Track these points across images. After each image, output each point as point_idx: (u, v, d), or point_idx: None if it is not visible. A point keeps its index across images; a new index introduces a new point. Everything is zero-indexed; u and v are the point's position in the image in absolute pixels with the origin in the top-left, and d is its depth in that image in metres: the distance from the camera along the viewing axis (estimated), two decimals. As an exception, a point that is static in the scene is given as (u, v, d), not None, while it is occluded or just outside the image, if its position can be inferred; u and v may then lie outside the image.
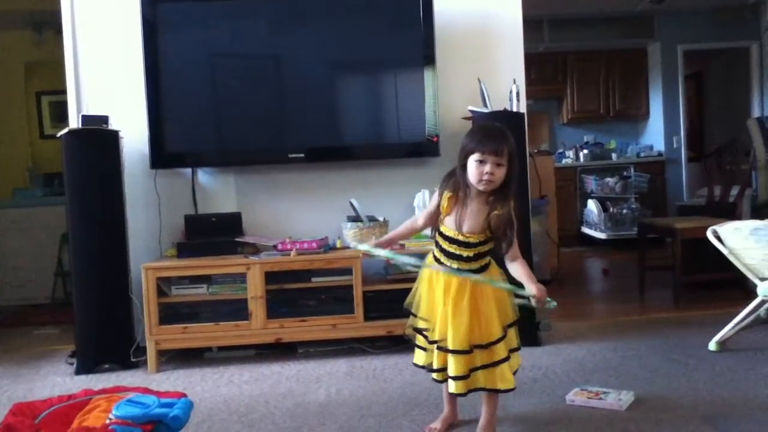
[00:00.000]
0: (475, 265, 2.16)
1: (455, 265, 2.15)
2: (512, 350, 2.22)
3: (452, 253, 2.15)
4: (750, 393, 2.60)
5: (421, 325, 2.24)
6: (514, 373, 2.23)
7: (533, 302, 2.09)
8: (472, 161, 2.08)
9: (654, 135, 8.19)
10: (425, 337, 2.23)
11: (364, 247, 2.26)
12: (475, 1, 3.88)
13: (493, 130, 2.13)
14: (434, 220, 2.23)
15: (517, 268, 2.15)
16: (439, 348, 2.17)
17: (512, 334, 2.22)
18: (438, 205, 2.19)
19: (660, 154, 8.00)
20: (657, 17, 7.75)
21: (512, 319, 2.20)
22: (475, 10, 3.87)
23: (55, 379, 3.24)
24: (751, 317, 3.27)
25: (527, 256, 3.44)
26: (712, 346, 3.17)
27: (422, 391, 2.72)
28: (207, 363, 3.41)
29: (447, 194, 2.16)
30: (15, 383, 3.20)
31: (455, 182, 2.15)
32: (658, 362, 3.04)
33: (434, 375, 2.24)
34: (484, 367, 2.15)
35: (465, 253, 2.14)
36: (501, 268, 2.24)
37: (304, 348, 3.50)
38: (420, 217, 2.31)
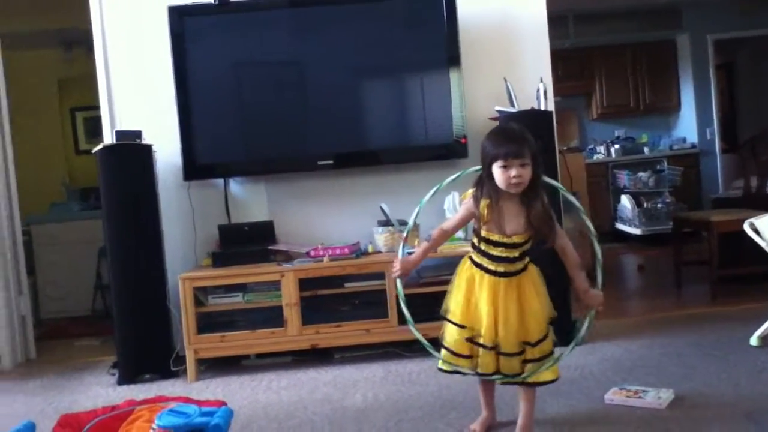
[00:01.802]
0: (519, 265, 2.18)
1: (502, 269, 2.16)
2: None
3: (499, 257, 2.16)
4: (794, 388, 2.56)
5: (465, 334, 2.21)
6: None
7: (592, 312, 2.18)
8: (497, 168, 2.09)
9: (686, 127, 8.07)
10: (478, 344, 2.20)
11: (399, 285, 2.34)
12: (498, 0, 3.87)
13: (511, 133, 2.14)
14: (464, 224, 2.29)
15: (570, 270, 2.21)
16: (492, 350, 2.18)
17: (551, 332, 2.25)
18: (472, 214, 2.20)
19: (693, 147, 7.88)
20: (684, 8, 7.64)
21: (552, 314, 2.23)
22: (498, 9, 3.86)
23: (98, 390, 3.31)
24: (793, 310, 3.20)
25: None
26: (753, 341, 3.12)
27: (458, 394, 2.72)
28: (245, 370, 3.45)
29: (484, 202, 2.15)
30: (60, 394, 3.28)
31: (487, 189, 2.14)
32: (697, 359, 3.00)
33: (490, 378, 2.27)
34: (531, 361, 2.19)
35: (512, 255, 2.15)
36: (537, 267, 2.26)
37: (340, 353, 3.53)
38: (450, 224, 2.32)
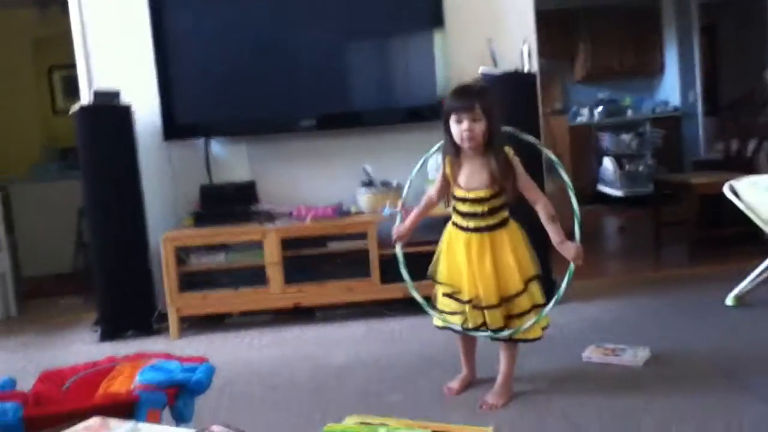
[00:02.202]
0: (491, 221, 2.18)
1: (472, 224, 2.18)
2: (537, 306, 2.23)
3: (467, 213, 2.19)
4: None
5: (446, 290, 2.28)
6: (544, 329, 2.29)
7: (571, 265, 2.15)
8: (452, 123, 2.14)
9: (669, 90, 8.07)
10: (458, 299, 2.25)
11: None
12: (483, -40, 3.81)
13: (464, 89, 2.20)
14: (446, 189, 2.27)
15: (544, 223, 2.19)
16: (474, 306, 2.22)
17: (535, 289, 2.24)
18: (443, 174, 2.24)
19: (675, 110, 7.89)
20: (670, -31, 7.58)
21: (533, 272, 2.22)
22: (483, -32, 3.81)
23: (80, 347, 3.31)
24: (768, 271, 3.25)
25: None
26: (729, 300, 3.17)
27: (439, 352, 2.75)
28: (227, 328, 3.47)
29: (448, 160, 2.22)
30: (41, 351, 3.29)
31: (447, 147, 2.21)
32: (674, 318, 3.06)
33: (472, 333, 2.29)
34: (511, 317, 2.21)
35: (479, 209, 2.17)
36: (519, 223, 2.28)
37: (323, 312, 3.55)
38: (433, 191, 2.35)
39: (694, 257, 4.25)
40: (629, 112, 7.98)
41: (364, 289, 3.41)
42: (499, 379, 2.30)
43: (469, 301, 2.22)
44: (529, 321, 2.20)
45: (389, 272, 3.39)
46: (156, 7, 3.56)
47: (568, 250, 2.15)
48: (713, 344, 2.68)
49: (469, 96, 2.13)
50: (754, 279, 3.19)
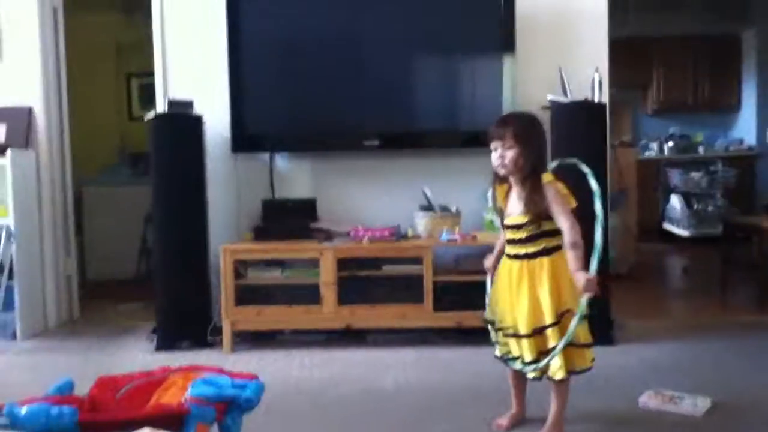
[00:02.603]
0: (531, 248, 2.18)
1: (513, 251, 2.22)
2: (576, 344, 2.15)
3: (511, 240, 2.23)
4: (838, 406, 2.47)
5: (493, 317, 2.30)
6: (579, 372, 2.19)
7: (583, 300, 2.04)
8: (492, 151, 2.21)
9: (745, 128, 7.81)
10: (496, 328, 2.27)
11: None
12: (557, -14, 3.78)
13: (501, 118, 2.32)
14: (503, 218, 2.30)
15: (567, 251, 2.11)
16: (506, 335, 2.22)
17: (582, 328, 2.15)
18: (498, 204, 2.30)
19: (750, 148, 7.62)
20: (753, 2, 7.33)
21: (569, 306, 2.12)
22: (557, -5, 3.78)
23: (136, 354, 3.39)
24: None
25: (604, 249, 3.38)
26: (798, 352, 3.03)
27: (489, 385, 2.70)
28: (279, 345, 3.49)
29: (497, 188, 2.29)
30: (100, 356, 3.38)
31: (493, 177, 2.27)
32: (737, 366, 2.93)
33: (516, 365, 2.24)
34: (543, 353, 2.14)
35: (518, 236, 2.19)
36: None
37: (374, 335, 3.54)
38: (499, 223, 2.37)
39: (762, 302, 4.07)
40: (701, 149, 7.75)
41: (416, 315, 3.38)
42: (550, 419, 2.24)
43: (505, 328, 2.22)
44: (549, 358, 2.12)
45: (442, 299, 3.37)
46: (233, 20, 3.65)
47: (579, 280, 2.05)
48: (779, 399, 2.55)
49: (502, 124, 2.20)
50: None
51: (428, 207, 3.62)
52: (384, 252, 3.43)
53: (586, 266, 2.05)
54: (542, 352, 2.15)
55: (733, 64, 7.79)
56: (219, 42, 3.70)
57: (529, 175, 2.16)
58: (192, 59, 3.87)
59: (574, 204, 2.16)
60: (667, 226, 7.30)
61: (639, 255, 5.35)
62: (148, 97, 5.74)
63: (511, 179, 2.21)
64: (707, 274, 5.16)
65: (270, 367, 3.12)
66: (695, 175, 7.24)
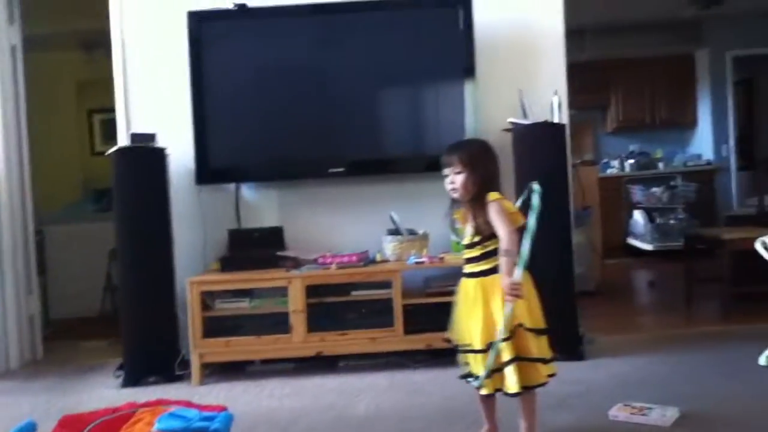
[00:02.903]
0: (484, 266, 2.23)
1: (468, 269, 2.28)
2: (526, 359, 2.16)
3: (467, 258, 2.29)
4: (802, 410, 2.52)
5: (452, 336, 2.32)
6: (533, 387, 2.20)
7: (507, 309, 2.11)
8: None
9: (702, 143, 8.01)
10: (462, 348, 2.28)
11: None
12: (516, 12, 3.87)
13: (452, 143, 2.40)
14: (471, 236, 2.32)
15: (500, 257, 2.18)
16: (465, 351, 2.24)
17: (526, 342, 2.17)
18: (458, 229, 2.37)
19: (708, 163, 7.82)
20: (705, 23, 7.58)
21: (519, 321, 2.15)
22: (515, 21, 3.86)
23: (103, 392, 3.32)
24: (805, 331, 3.16)
25: (567, 267, 3.43)
26: (762, 360, 3.08)
27: (462, 406, 2.69)
28: (249, 376, 3.45)
29: (457, 213, 2.35)
30: (64, 395, 3.29)
31: (451, 202, 2.34)
32: (704, 377, 2.97)
33: (474, 383, 2.24)
34: (497, 369, 2.16)
35: (472, 254, 2.27)
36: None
37: (345, 361, 3.52)
38: None
39: (727, 314, 4.15)
40: (661, 165, 7.94)
41: (387, 340, 3.38)
42: (521, 435, 2.24)
43: (466, 346, 2.24)
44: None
45: (413, 322, 3.38)
46: (196, 55, 3.66)
47: (504, 284, 2.11)
48: (745, 405, 2.59)
49: (451, 151, 2.29)
50: (789, 339, 3.10)
51: (395, 231, 3.64)
52: (353, 277, 3.43)
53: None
54: (495, 369, 2.16)
55: (688, 82, 8.03)
56: (181, 74, 3.70)
57: (478, 196, 2.23)
58: (154, 92, 3.86)
59: (521, 221, 2.22)
60: (632, 241, 7.41)
61: (605, 271, 5.42)
62: (110, 132, 5.71)
63: (463, 202, 2.28)
64: (672, 287, 5.25)
65: (240, 398, 3.08)
66: (656, 190, 7.39)
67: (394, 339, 3.38)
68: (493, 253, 2.22)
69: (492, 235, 2.21)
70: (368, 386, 3.14)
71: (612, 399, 2.69)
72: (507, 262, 2.14)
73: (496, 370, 2.16)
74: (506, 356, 2.14)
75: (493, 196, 2.22)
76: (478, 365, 2.21)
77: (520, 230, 2.18)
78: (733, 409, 2.56)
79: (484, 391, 2.21)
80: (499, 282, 2.17)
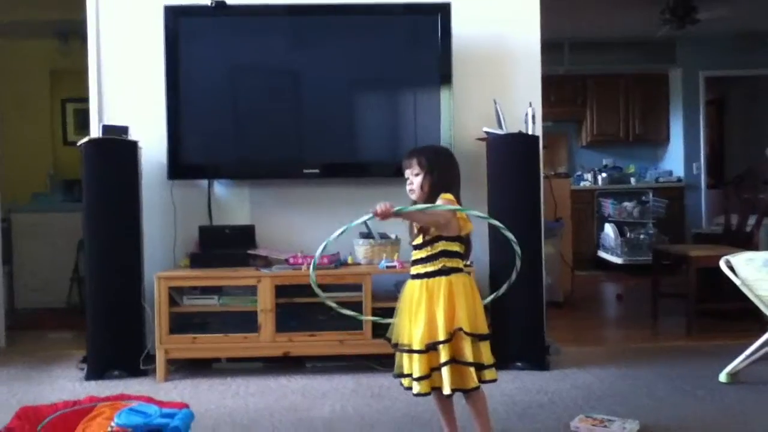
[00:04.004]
0: (430, 267, 2.22)
1: (414, 271, 2.27)
2: (468, 363, 2.16)
3: (414, 260, 2.29)
4: (759, 427, 2.57)
5: (389, 335, 2.31)
6: (467, 391, 2.19)
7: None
8: None
9: (673, 160, 8.14)
10: (397, 347, 2.27)
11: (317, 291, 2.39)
12: (493, 24, 3.90)
13: (414, 148, 2.46)
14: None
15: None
16: (401, 351, 2.23)
17: (463, 345, 2.16)
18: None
19: (679, 180, 7.95)
20: (678, 43, 7.72)
21: (460, 326, 2.15)
22: (493, 32, 3.89)
23: (65, 384, 3.27)
24: (764, 350, 3.21)
25: (537, 277, 3.46)
26: (722, 377, 3.13)
27: (426, 411, 2.70)
28: (215, 374, 3.43)
29: None
30: (25, 386, 3.24)
31: (413, 202, 2.33)
32: (666, 391, 3.01)
33: (405, 381, 2.24)
34: (435, 368, 2.17)
35: (419, 255, 2.26)
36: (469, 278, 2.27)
37: (312, 362, 3.51)
38: None
39: (690, 329, 4.21)
40: (633, 180, 8.05)
41: (355, 342, 3.38)
42: (477, 438, 2.25)
43: (402, 346, 2.23)
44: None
45: (382, 326, 3.36)
46: (171, 49, 3.63)
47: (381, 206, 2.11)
48: (703, 421, 2.63)
49: (410, 154, 2.34)
50: (748, 356, 3.16)
51: (368, 235, 3.64)
52: (323, 279, 3.41)
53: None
54: (434, 368, 2.17)
55: (661, 100, 8.15)
56: (156, 68, 3.67)
57: (432, 199, 2.26)
58: (129, 85, 3.82)
59: (470, 228, 2.24)
60: (602, 254, 7.51)
61: (574, 282, 5.47)
62: (84, 122, 5.64)
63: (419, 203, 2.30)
64: (639, 300, 5.33)
65: (204, 395, 3.06)
66: (628, 205, 7.50)
67: (362, 342, 3.38)
68: (439, 255, 2.22)
69: (439, 238, 2.22)
70: (334, 388, 3.13)
71: (574, 410, 2.73)
72: (422, 211, 2.16)
73: (434, 369, 2.17)
74: (443, 357, 2.14)
75: (445, 196, 2.25)
76: (412, 366, 2.19)
77: (466, 238, 2.25)
78: (692, 423, 2.60)
79: (416, 390, 2.19)
80: (444, 284, 2.18)
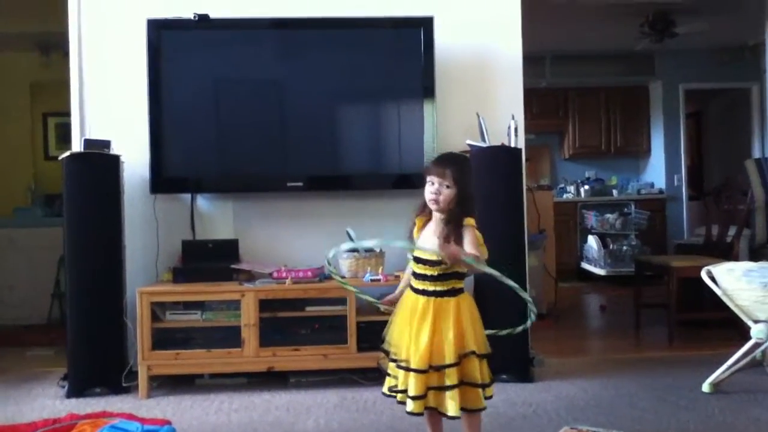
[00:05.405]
0: (440, 287, 2.18)
1: (421, 287, 2.20)
2: (471, 384, 2.16)
3: (419, 274, 2.21)
4: (741, 436, 2.59)
5: (389, 348, 2.25)
6: (473, 411, 2.19)
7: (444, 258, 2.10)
8: (426, 184, 2.24)
9: (655, 172, 8.23)
10: (393, 360, 2.23)
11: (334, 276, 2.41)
12: (476, 37, 3.93)
13: (445, 155, 2.36)
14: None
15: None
16: (399, 367, 2.18)
17: (473, 367, 2.16)
18: (410, 233, 2.30)
19: (661, 192, 8.03)
20: (657, 56, 7.83)
21: (476, 348, 2.16)
22: (476, 45, 3.93)
23: (45, 402, 3.22)
24: (746, 359, 3.25)
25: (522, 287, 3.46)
26: (705, 387, 3.15)
27: (411, 425, 2.69)
28: (198, 390, 3.40)
29: (418, 220, 2.30)
30: (4, 405, 3.19)
31: (420, 207, 2.30)
32: (649, 402, 3.03)
33: (399, 396, 2.22)
34: (435, 388, 2.15)
35: (430, 272, 2.19)
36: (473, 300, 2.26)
37: (296, 377, 3.49)
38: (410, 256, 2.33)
39: (672, 340, 4.25)
40: (615, 192, 8.12)
41: (339, 356, 3.36)
42: (466, 453, 2.24)
43: (399, 360, 2.19)
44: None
45: (366, 340, 3.37)
46: (154, 63, 3.62)
47: (449, 249, 2.08)
48: (686, 431, 2.65)
49: (446, 162, 2.25)
50: (729, 366, 3.19)
51: (352, 248, 3.64)
52: (307, 293, 3.41)
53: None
54: (430, 388, 2.15)
55: (642, 112, 8.25)
56: (139, 81, 3.65)
57: (455, 215, 2.20)
58: (111, 98, 3.81)
59: (486, 255, 2.20)
60: (585, 266, 7.56)
61: (558, 294, 5.49)
62: (65, 136, 5.61)
63: (436, 215, 2.24)
64: (622, 311, 5.36)
65: (187, 412, 3.02)
66: (610, 216, 7.57)
67: (346, 356, 3.36)
68: (451, 277, 2.19)
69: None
70: (318, 403, 3.11)
71: (558, 421, 2.73)
72: (470, 249, 2.12)
73: (431, 389, 2.14)
74: (451, 381, 2.12)
75: (470, 221, 2.20)
76: (405, 382, 2.17)
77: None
78: (674, 433, 2.62)
79: (410, 409, 2.16)
80: (453, 306, 2.17)
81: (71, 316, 3.36)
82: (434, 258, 2.17)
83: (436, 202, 2.20)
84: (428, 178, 2.23)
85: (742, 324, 3.28)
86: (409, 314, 2.20)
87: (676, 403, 3.00)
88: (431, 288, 2.19)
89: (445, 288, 2.19)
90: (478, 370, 2.16)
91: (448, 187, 2.19)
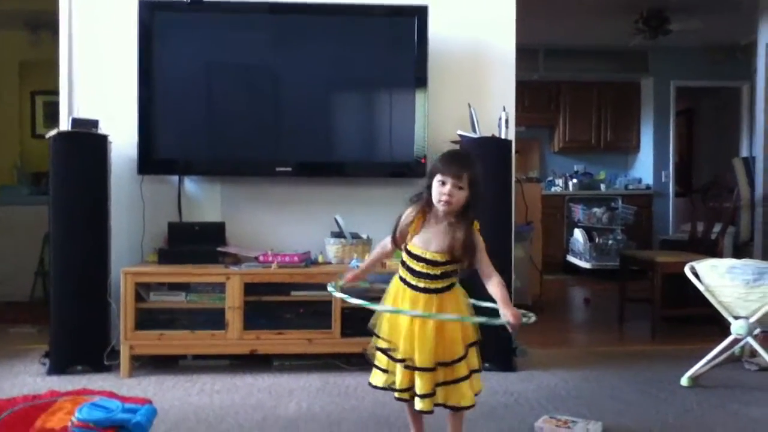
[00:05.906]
0: (440, 284, 2.18)
1: (422, 284, 2.17)
2: (474, 371, 2.20)
3: (419, 272, 2.18)
4: (718, 429, 2.62)
5: (383, 345, 2.24)
6: (476, 395, 2.22)
7: (509, 328, 2.09)
8: (436, 182, 2.16)
9: (643, 168, 8.27)
10: (390, 357, 2.22)
11: (338, 295, 2.33)
12: (469, 29, 3.92)
13: (460, 155, 2.29)
14: (402, 240, 2.24)
15: (493, 288, 2.15)
16: (406, 367, 2.17)
17: (473, 355, 2.21)
18: (407, 225, 2.23)
19: (648, 188, 8.07)
20: (651, 53, 7.85)
21: (473, 338, 2.19)
22: (469, 37, 3.92)
23: (26, 379, 3.22)
24: (725, 354, 3.29)
25: (505, 280, 3.48)
26: (684, 381, 3.19)
27: (393, 411, 2.71)
28: (181, 371, 3.40)
29: (415, 214, 2.22)
30: (-15, 381, 3.18)
31: (422, 202, 2.21)
32: (629, 394, 3.06)
33: (397, 394, 2.23)
34: (445, 383, 2.16)
35: (432, 272, 2.17)
36: (464, 290, 2.25)
37: (280, 361, 3.50)
38: (389, 240, 2.30)
39: (655, 334, 4.28)
40: (603, 187, 8.16)
41: (323, 341, 3.37)
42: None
43: (402, 360, 2.18)
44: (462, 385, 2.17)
45: (351, 326, 3.37)
46: (145, 44, 3.59)
47: (512, 314, 2.08)
48: (665, 423, 2.68)
49: (462, 163, 2.17)
50: (709, 361, 3.22)
51: (339, 234, 3.64)
52: (293, 277, 3.41)
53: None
54: (438, 384, 2.15)
55: (633, 108, 8.28)
56: (129, 61, 3.63)
57: (462, 218, 2.16)
58: (100, 78, 3.78)
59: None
60: (571, 259, 7.59)
61: (543, 286, 5.52)
62: (53, 115, 5.56)
63: (442, 215, 2.18)
64: (606, 305, 5.40)
65: (169, 392, 3.03)
66: (597, 210, 7.60)
67: (330, 341, 3.37)
68: (452, 274, 2.19)
69: (458, 258, 2.16)
70: (301, 387, 3.12)
71: (539, 411, 2.75)
72: (506, 294, 2.14)
73: (438, 385, 2.15)
74: (462, 372, 2.15)
75: (476, 226, 2.18)
76: (409, 380, 2.17)
77: None
78: (654, 426, 2.65)
79: (419, 407, 2.16)
80: (453, 298, 2.17)
81: (55, 294, 3.35)
82: (439, 258, 2.15)
83: (449, 203, 2.14)
84: (440, 177, 2.15)
85: (723, 320, 3.31)
86: (410, 308, 2.17)
87: (656, 395, 3.03)
88: (432, 286, 2.17)
89: (446, 284, 2.19)
90: (476, 356, 2.20)
91: (461, 189, 2.13)
